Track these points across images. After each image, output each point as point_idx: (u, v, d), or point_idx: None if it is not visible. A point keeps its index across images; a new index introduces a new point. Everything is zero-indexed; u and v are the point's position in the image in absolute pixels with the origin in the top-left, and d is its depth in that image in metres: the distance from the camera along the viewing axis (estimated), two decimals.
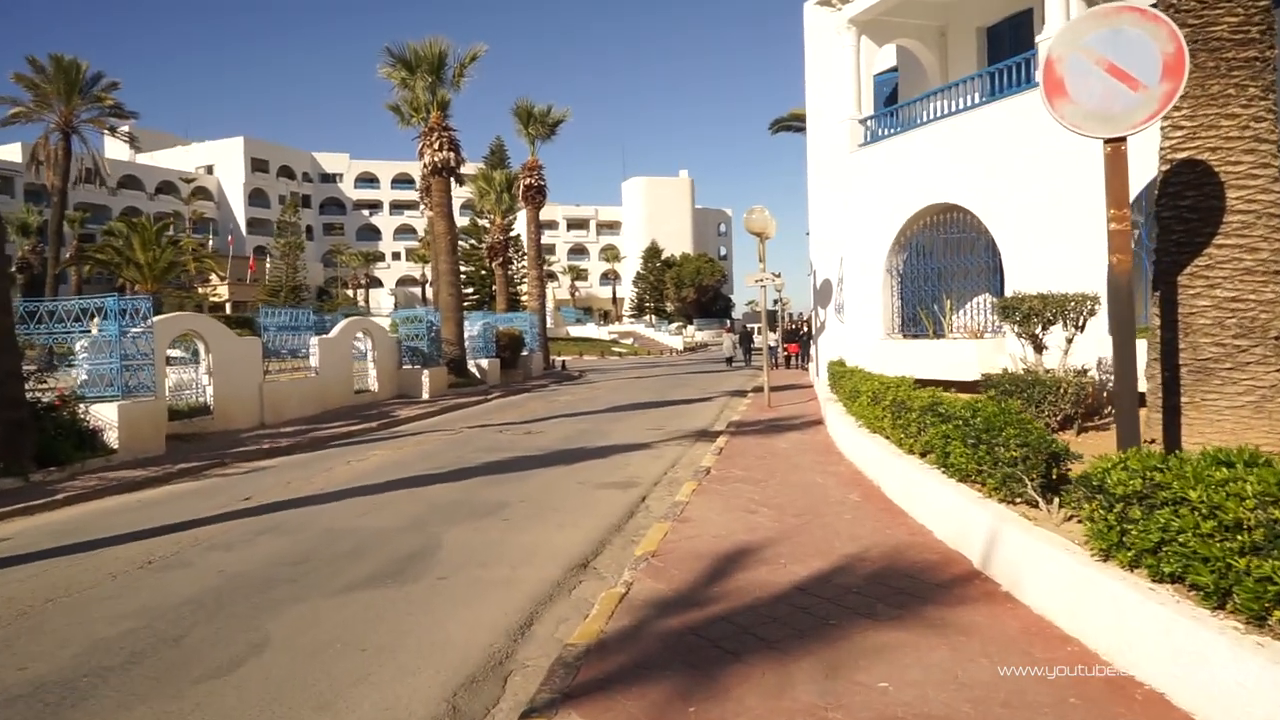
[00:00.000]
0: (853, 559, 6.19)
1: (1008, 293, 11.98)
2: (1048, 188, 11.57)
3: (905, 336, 14.61)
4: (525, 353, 33.18)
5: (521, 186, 36.57)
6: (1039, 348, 9.55)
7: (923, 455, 7.86)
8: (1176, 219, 6.34)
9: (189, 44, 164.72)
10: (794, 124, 27.82)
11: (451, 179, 26.76)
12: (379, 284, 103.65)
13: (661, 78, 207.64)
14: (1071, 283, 10.14)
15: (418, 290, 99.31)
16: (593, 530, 7.85)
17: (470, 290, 65.70)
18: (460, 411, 20.91)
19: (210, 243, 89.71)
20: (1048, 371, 9.35)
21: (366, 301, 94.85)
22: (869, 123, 15.46)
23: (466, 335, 28.95)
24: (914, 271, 14.59)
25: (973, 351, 12.20)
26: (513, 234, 50.07)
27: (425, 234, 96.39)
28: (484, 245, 45.16)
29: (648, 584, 5.87)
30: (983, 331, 12.69)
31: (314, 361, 20.06)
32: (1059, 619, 4.58)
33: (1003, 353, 12.14)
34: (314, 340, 20.05)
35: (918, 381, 11.80)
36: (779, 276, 18.45)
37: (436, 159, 26.00)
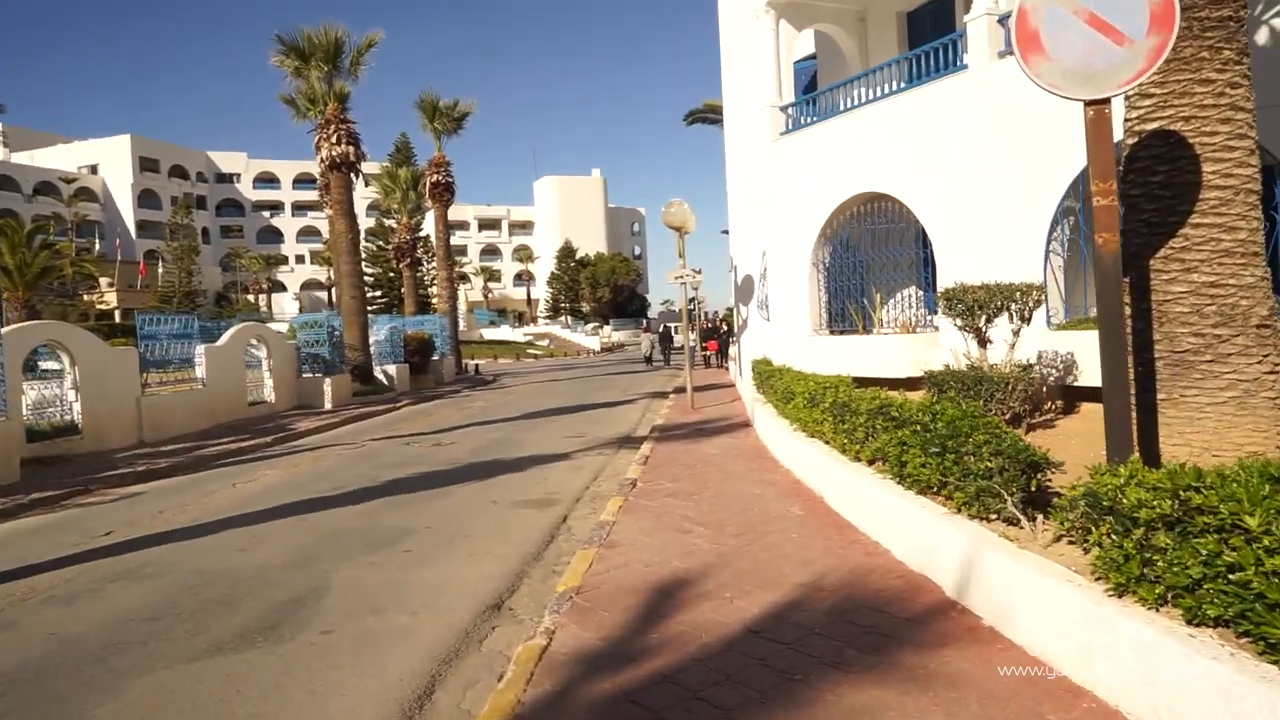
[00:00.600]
0: (808, 589, 5.41)
1: (941, 284, 11.49)
2: (979, 174, 11.11)
3: (833, 332, 14.05)
4: (436, 357, 31.77)
5: (428, 184, 35.08)
6: (983, 341, 9.00)
7: (871, 463, 7.16)
8: (1147, 196, 5.76)
9: (70, 36, 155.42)
10: (709, 115, 27.16)
11: (352, 175, 25.23)
12: (283, 288, 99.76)
13: (572, 75, 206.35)
14: (1005, 272, 9.67)
15: (324, 294, 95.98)
16: (509, 560, 6.88)
17: (378, 293, 63.52)
18: (365, 422, 19.56)
19: (97, 246, 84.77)
20: (992, 366, 8.80)
21: (269, 306, 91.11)
22: (790, 110, 14.86)
23: (372, 340, 27.46)
24: (840, 265, 14.05)
25: (905, 347, 11.67)
26: (421, 234, 48.42)
27: (330, 235, 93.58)
28: (391, 246, 43.29)
29: (573, 631, 4.96)
30: (915, 325, 12.20)
31: (201, 372, 18.43)
32: (1064, 665, 3.86)
33: (937, 347, 11.64)
34: (200, 349, 18.43)
35: (855, 379, 11.23)
36: (699, 273, 17.74)
37: (334, 153, 24.45)
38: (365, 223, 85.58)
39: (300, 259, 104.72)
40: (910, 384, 11.83)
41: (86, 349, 15.22)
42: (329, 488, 10.62)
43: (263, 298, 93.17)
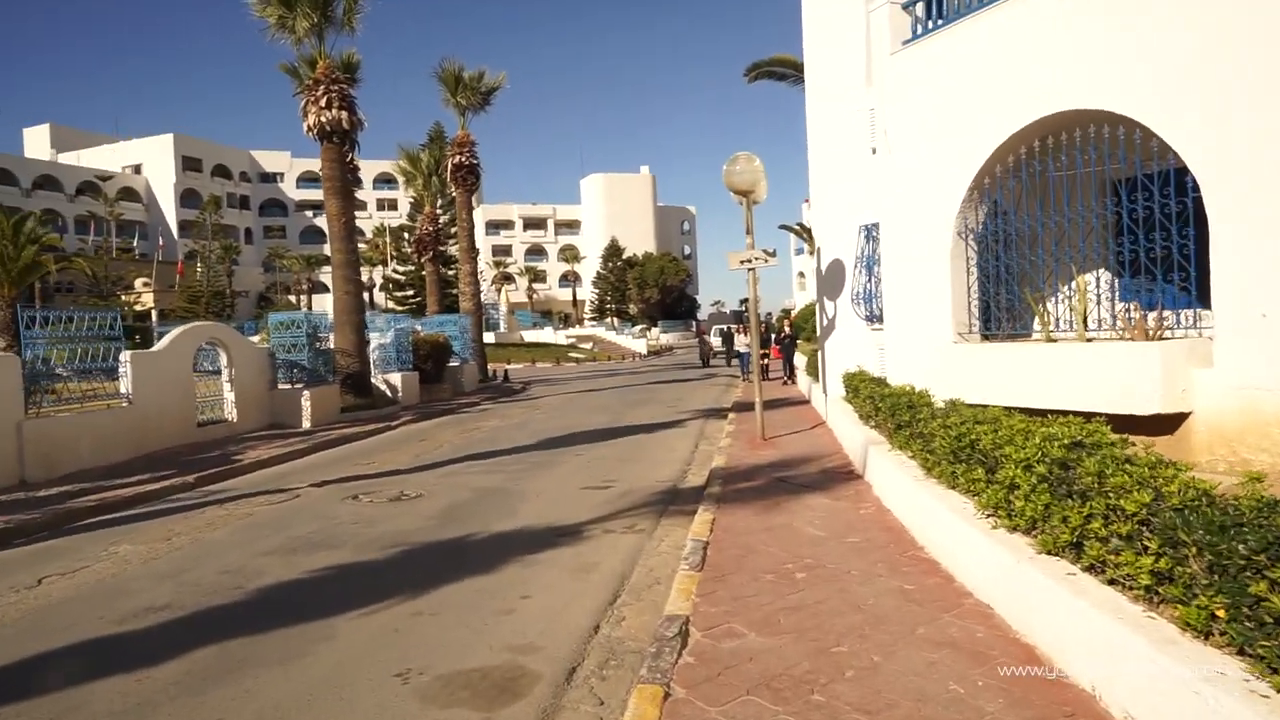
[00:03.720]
0: None
1: (1219, 259, 6.61)
2: None
3: (987, 338, 9.22)
4: (456, 363, 27.51)
5: (449, 165, 30.71)
6: None
7: None
8: None
9: (119, 38, 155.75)
10: (777, 69, 22.36)
11: (346, 146, 20.98)
12: (325, 289, 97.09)
13: (621, 70, 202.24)
14: None
15: (366, 296, 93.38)
16: None
17: (410, 293, 59.80)
18: (339, 449, 15.23)
19: (136, 245, 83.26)
20: None
21: (310, 307, 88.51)
22: (918, 9, 10.06)
23: (376, 344, 23.26)
24: (994, 238, 9.24)
25: (1152, 362, 6.82)
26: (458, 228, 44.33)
27: (375, 235, 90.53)
28: (413, 239, 39.18)
29: None
30: (1158, 327, 7.29)
31: (125, 386, 14.25)
32: None
33: (1205, 362, 6.78)
34: (125, 357, 14.24)
35: (1023, 411, 6.57)
36: (772, 255, 13.05)
37: (324, 119, 20.22)
38: (402, 219, 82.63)
39: None
40: (1146, 426, 7.00)
41: None
42: (158, 603, 6.15)
43: (304, 298, 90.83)
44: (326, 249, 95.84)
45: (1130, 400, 6.94)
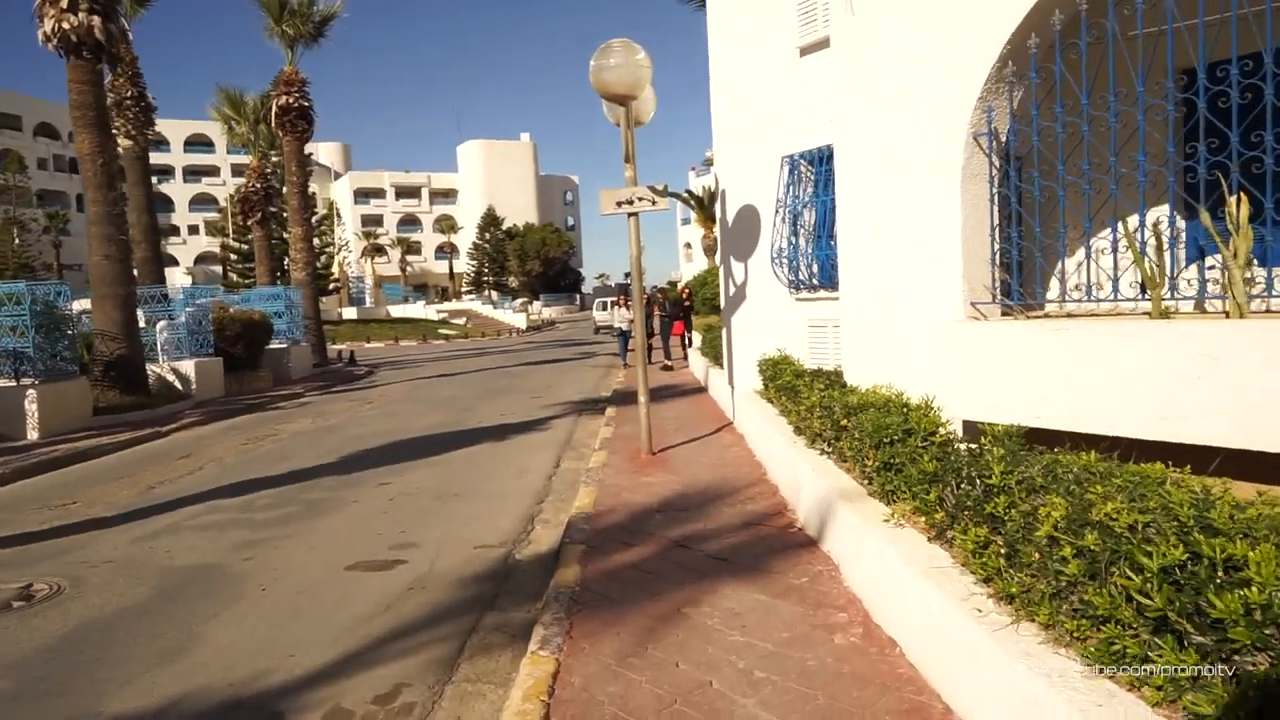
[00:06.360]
0: None
1: None
2: None
3: (1026, 312, 5.60)
4: (282, 344, 22.66)
5: (274, 107, 25.42)
6: None
7: None
8: None
9: None
10: None
11: (102, 65, 15.84)
12: (174, 262, 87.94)
13: (500, 35, 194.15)
14: None
15: (219, 268, 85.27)
16: None
17: (252, 264, 53.13)
18: (48, 477, 10.62)
19: None
20: None
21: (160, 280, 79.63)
22: None
23: (168, 321, 18.33)
24: (1035, 142, 5.62)
25: None
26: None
27: (227, 202, 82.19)
28: (237, 196, 33.34)
29: None
30: None
31: None
32: None
33: None
34: None
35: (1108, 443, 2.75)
36: (663, 192, 9.20)
37: (66, 25, 15.03)
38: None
39: (194, 229, 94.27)
40: None
41: None
42: None
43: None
44: (174, 218, 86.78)
45: None
